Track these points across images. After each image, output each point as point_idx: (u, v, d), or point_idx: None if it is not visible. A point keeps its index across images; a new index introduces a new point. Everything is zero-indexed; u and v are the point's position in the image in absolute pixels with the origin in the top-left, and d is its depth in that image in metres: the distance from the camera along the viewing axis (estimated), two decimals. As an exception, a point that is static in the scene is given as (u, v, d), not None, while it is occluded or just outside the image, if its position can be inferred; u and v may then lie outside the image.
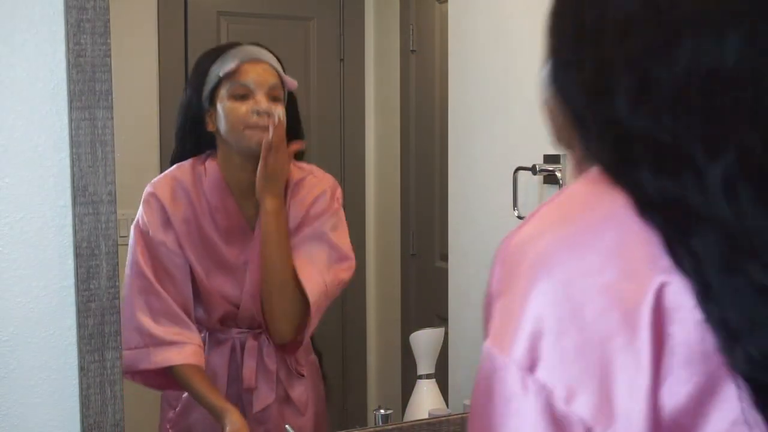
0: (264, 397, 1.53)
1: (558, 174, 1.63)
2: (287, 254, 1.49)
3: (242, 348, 1.53)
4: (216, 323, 1.52)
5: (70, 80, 1.14)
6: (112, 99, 1.16)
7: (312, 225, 1.53)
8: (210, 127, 1.50)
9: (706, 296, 0.54)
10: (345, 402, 1.85)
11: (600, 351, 0.55)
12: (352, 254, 1.55)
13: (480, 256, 1.74)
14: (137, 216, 1.47)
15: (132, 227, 1.46)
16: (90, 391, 1.18)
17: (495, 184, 1.77)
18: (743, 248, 0.54)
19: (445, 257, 1.88)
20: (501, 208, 1.74)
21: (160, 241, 1.45)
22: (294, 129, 1.53)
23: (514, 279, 0.60)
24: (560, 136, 0.70)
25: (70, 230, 1.18)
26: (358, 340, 1.88)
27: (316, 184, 1.56)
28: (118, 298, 1.19)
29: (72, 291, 1.19)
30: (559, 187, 1.63)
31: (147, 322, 1.42)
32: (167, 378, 1.45)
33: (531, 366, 0.57)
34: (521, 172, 1.69)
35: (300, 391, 1.57)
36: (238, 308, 1.52)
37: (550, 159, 1.65)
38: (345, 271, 1.53)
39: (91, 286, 1.17)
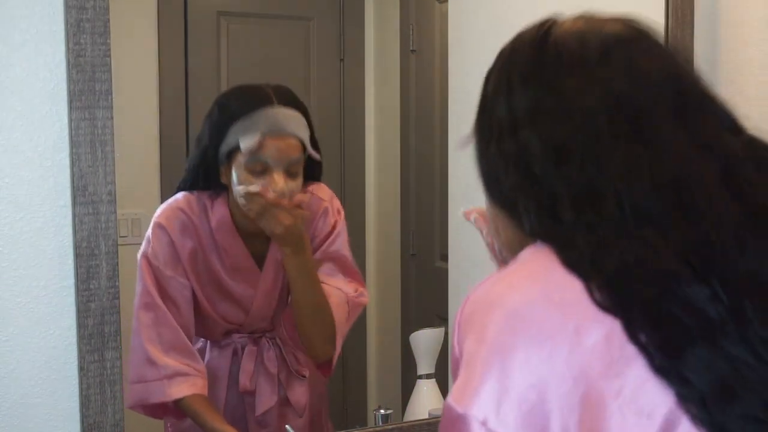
0: (266, 400, 1.52)
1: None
2: (316, 286, 1.49)
3: (243, 352, 1.53)
4: (218, 335, 1.53)
5: (70, 80, 1.14)
6: (112, 99, 1.16)
7: (325, 248, 1.53)
8: (223, 180, 1.45)
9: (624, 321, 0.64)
10: (345, 402, 1.85)
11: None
12: (362, 281, 1.58)
13: (480, 256, 1.74)
14: (145, 246, 1.44)
15: (139, 257, 1.43)
16: (90, 391, 1.18)
17: (495, 184, 1.76)
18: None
19: (445, 257, 1.88)
20: (501, 208, 1.74)
21: (169, 275, 1.43)
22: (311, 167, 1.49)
23: (480, 342, 0.67)
24: (511, 247, 0.78)
25: (69, 230, 1.18)
26: (358, 340, 1.88)
27: (316, 202, 1.54)
28: (118, 298, 1.19)
29: (72, 291, 1.19)
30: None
31: (159, 355, 1.40)
32: (172, 407, 1.44)
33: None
34: (521, 172, 1.68)
35: (300, 393, 1.57)
36: (241, 325, 1.53)
37: (550, 159, 1.65)
38: (363, 297, 1.56)
39: (91, 286, 1.17)
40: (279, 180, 1.40)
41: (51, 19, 1.16)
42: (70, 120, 1.14)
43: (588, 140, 0.70)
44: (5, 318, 1.18)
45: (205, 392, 1.44)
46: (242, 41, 1.76)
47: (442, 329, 1.74)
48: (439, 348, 1.73)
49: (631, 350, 0.63)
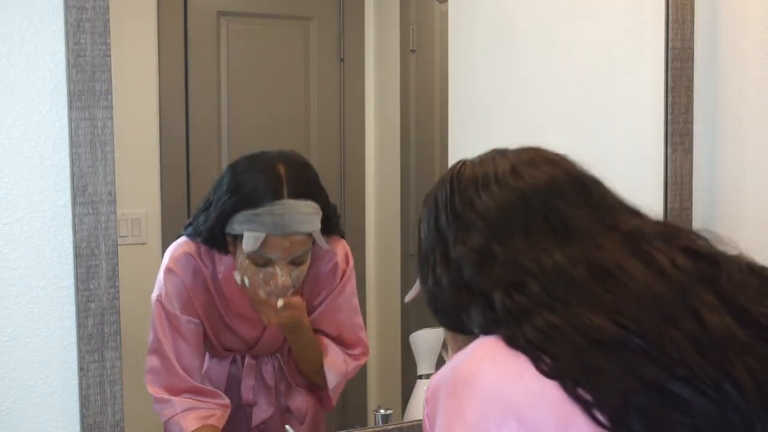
0: (263, 411, 1.55)
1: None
2: (316, 350, 1.52)
3: (242, 362, 1.55)
4: (220, 355, 1.56)
5: (70, 80, 1.14)
6: (112, 99, 1.16)
7: (331, 302, 1.54)
8: (230, 250, 1.44)
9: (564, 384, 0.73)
10: (345, 402, 1.85)
11: None
12: (365, 336, 1.59)
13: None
14: (158, 290, 1.44)
15: (154, 301, 1.44)
16: (90, 391, 1.18)
17: (495, 184, 1.77)
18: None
19: (445, 257, 1.88)
20: (501, 208, 1.74)
21: (183, 317, 1.44)
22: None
23: (460, 422, 0.75)
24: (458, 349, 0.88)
25: (69, 230, 1.18)
26: (358, 340, 1.88)
27: (328, 255, 1.53)
28: (118, 298, 1.19)
29: (72, 291, 1.19)
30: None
31: (170, 396, 1.43)
32: None
33: None
34: (521, 172, 1.69)
35: (300, 401, 1.58)
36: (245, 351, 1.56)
37: (550, 159, 1.65)
38: (364, 356, 1.58)
39: (91, 286, 1.17)
40: (281, 274, 1.39)
41: (51, 19, 1.16)
42: (70, 120, 1.14)
43: (506, 245, 0.83)
44: (5, 318, 1.18)
45: (218, 423, 1.44)
46: (242, 41, 1.76)
47: (442, 329, 1.74)
48: (439, 348, 1.73)
49: (574, 408, 0.71)
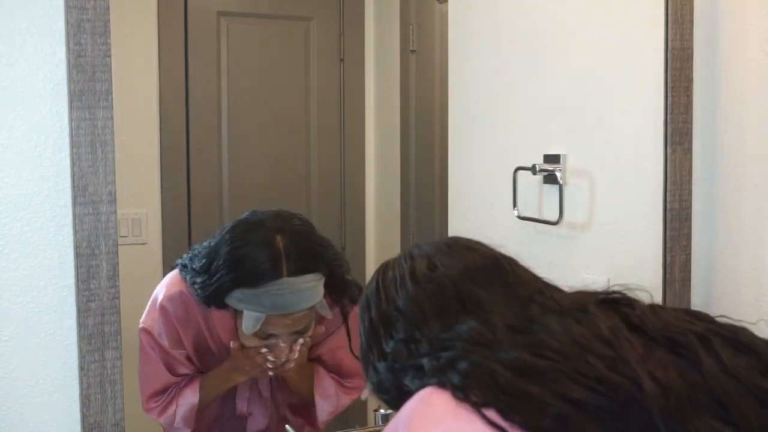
0: (257, 423, 1.54)
1: (558, 174, 1.63)
2: (310, 380, 1.52)
3: None
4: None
5: (70, 80, 1.14)
6: (112, 99, 1.16)
7: (333, 339, 1.52)
8: (229, 310, 1.41)
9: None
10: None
11: None
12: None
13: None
14: (146, 321, 1.44)
15: (141, 329, 1.44)
16: (90, 391, 1.18)
17: (495, 184, 1.77)
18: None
19: (445, 257, 1.88)
20: (501, 208, 1.74)
21: (171, 351, 1.44)
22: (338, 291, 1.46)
23: None
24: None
25: (70, 230, 1.18)
26: (358, 340, 1.87)
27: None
28: (118, 297, 1.19)
29: (72, 291, 1.19)
30: (559, 186, 1.63)
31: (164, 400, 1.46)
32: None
33: None
34: (521, 172, 1.69)
35: (299, 411, 1.58)
36: None
37: (549, 159, 1.65)
38: (357, 391, 1.57)
39: (91, 286, 1.17)
40: (284, 348, 1.38)
41: (51, 19, 1.16)
42: (71, 120, 1.14)
43: (424, 334, 0.92)
44: (5, 318, 1.18)
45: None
46: (242, 41, 1.76)
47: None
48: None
49: None
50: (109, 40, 1.15)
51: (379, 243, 1.90)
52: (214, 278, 1.36)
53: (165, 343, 1.44)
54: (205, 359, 1.48)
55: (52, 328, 1.20)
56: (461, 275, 0.95)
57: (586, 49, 1.65)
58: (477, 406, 0.79)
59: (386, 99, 1.93)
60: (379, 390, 0.99)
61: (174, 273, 1.47)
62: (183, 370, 1.47)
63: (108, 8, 1.14)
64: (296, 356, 1.40)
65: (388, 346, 0.96)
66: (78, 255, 1.16)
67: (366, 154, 1.87)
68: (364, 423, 1.73)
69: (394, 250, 1.95)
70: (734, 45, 1.53)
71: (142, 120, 1.61)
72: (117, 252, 1.18)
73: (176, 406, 1.44)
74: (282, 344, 1.37)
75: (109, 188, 1.16)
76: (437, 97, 1.91)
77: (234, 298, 1.36)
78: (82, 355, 1.17)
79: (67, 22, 1.13)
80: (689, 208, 1.54)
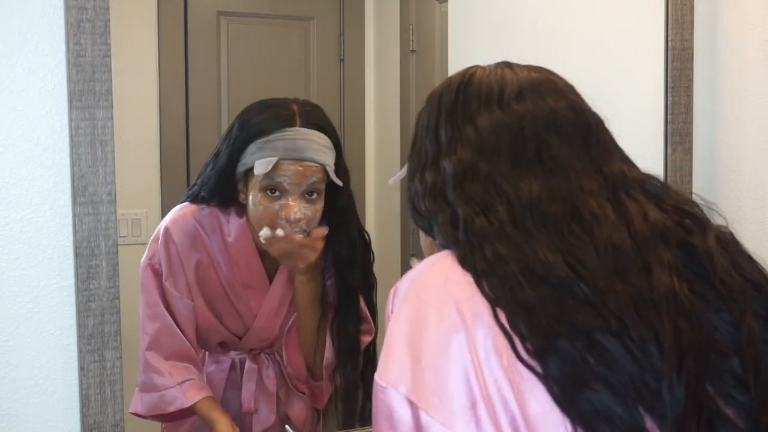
0: (264, 419, 1.52)
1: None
2: (319, 313, 1.48)
3: (241, 367, 1.52)
4: (215, 346, 1.52)
5: (70, 80, 1.14)
6: (112, 99, 1.16)
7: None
8: (241, 199, 1.41)
9: (498, 317, 0.74)
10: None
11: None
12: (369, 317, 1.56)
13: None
14: (149, 253, 1.42)
15: (144, 264, 1.42)
16: (90, 391, 1.18)
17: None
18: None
19: (445, 257, 1.88)
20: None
21: (171, 284, 1.42)
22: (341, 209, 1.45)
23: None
24: (430, 251, 0.92)
25: (69, 230, 1.18)
26: (358, 340, 1.87)
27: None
28: (118, 298, 1.19)
29: (72, 291, 1.19)
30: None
31: (168, 364, 1.40)
32: (184, 410, 1.44)
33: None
34: (521, 172, 1.68)
35: (299, 409, 1.56)
36: (240, 338, 1.51)
37: (550, 159, 1.65)
38: (367, 335, 1.55)
39: (91, 286, 1.17)
40: (294, 206, 1.35)
41: (51, 19, 1.16)
42: (70, 120, 1.14)
43: (491, 165, 0.84)
44: (5, 318, 1.18)
45: (210, 394, 1.44)
46: (242, 41, 1.76)
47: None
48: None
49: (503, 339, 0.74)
50: (109, 40, 1.15)
51: (379, 243, 1.90)
52: (228, 146, 1.38)
53: (164, 271, 1.40)
54: (207, 291, 1.45)
55: (52, 328, 1.20)
56: (546, 123, 0.86)
57: (586, 49, 1.66)
58: (491, 301, 0.75)
59: (386, 99, 1.93)
60: (413, 201, 0.91)
61: (180, 205, 1.46)
62: (182, 309, 1.43)
63: (108, 8, 1.14)
64: (305, 218, 1.36)
65: (445, 161, 0.87)
66: (78, 255, 1.16)
67: (366, 154, 1.87)
68: (364, 423, 1.73)
69: (394, 250, 1.95)
70: (734, 45, 1.53)
71: (142, 120, 1.61)
72: (117, 252, 1.18)
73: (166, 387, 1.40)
74: (291, 202, 1.36)
75: (108, 188, 1.16)
76: (437, 97, 1.91)
77: (247, 155, 1.36)
78: (81, 355, 1.17)
79: (67, 22, 1.13)
80: (689, 208, 1.54)
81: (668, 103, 1.51)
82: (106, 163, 1.16)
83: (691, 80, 1.53)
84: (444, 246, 0.84)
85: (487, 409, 0.71)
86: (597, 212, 0.80)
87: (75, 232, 1.16)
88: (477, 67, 0.94)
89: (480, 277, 0.77)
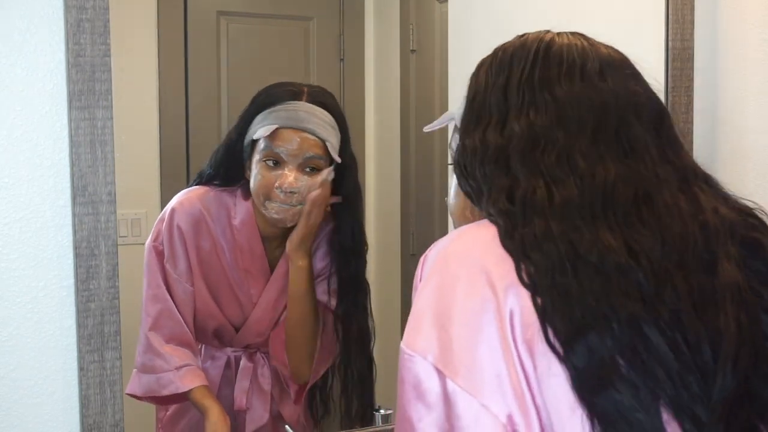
0: (257, 418, 1.52)
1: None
2: (314, 309, 1.49)
3: (237, 365, 1.52)
4: (211, 337, 1.51)
5: (70, 80, 1.14)
6: (111, 99, 1.16)
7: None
8: (247, 175, 1.44)
9: (534, 298, 0.73)
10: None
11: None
12: None
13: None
14: (154, 233, 1.43)
15: (147, 246, 1.43)
16: (90, 391, 1.18)
17: (495, 184, 1.76)
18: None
19: (445, 257, 1.88)
20: (501, 208, 1.74)
21: (171, 267, 1.43)
22: (350, 196, 1.47)
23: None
24: (461, 214, 0.93)
25: (69, 230, 1.18)
26: (358, 340, 1.87)
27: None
28: (118, 298, 1.19)
29: (72, 291, 1.19)
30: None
31: (167, 347, 1.41)
32: (178, 396, 1.44)
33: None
34: (521, 172, 1.68)
35: (292, 409, 1.56)
36: (236, 331, 1.51)
37: (550, 159, 1.65)
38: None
39: (91, 286, 1.17)
40: (291, 174, 1.38)
41: (51, 19, 1.16)
42: (70, 120, 1.14)
43: (570, 138, 0.80)
44: (5, 318, 1.18)
45: (207, 382, 1.44)
46: (242, 41, 1.76)
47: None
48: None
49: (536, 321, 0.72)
50: (108, 40, 1.15)
51: (379, 243, 1.90)
52: (238, 120, 1.42)
53: (166, 252, 1.41)
54: (209, 276, 1.46)
55: (52, 328, 1.20)
56: (628, 104, 0.83)
57: (586, 49, 1.65)
58: (528, 278, 0.73)
59: (386, 99, 1.93)
60: (464, 159, 0.86)
61: (188, 188, 1.48)
62: (180, 293, 1.43)
63: (107, 8, 1.14)
64: (300, 190, 1.38)
65: (515, 123, 0.82)
66: (77, 255, 1.16)
67: (366, 154, 1.87)
68: (364, 423, 1.73)
69: (394, 250, 1.95)
70: (734, 45, 1.53)
71: (142, 120, 1.61)
72: (116, 252, 1.18)
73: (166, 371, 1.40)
74: (287, 172, 1.38)
75: (108, 188, 1.16)
76: (437, 97, 1.91)
77: (253, 127, 1.40)
78: (81, 356, 1.17)
79: (67, 22, 1.13)
80: (689, 208, 1.54)
81: (668, 103, 1.51)
82: (106, 163, 1.16)
83: (691, 80, 1.53)
84: (490, 215, 0.80)
85: (511, 382, 0.71)
86: (670, 202, 0.78)
87: (75, 232, 1.16)
88: (551, 32, 0.89)
89: (520, 253, 0.74)
